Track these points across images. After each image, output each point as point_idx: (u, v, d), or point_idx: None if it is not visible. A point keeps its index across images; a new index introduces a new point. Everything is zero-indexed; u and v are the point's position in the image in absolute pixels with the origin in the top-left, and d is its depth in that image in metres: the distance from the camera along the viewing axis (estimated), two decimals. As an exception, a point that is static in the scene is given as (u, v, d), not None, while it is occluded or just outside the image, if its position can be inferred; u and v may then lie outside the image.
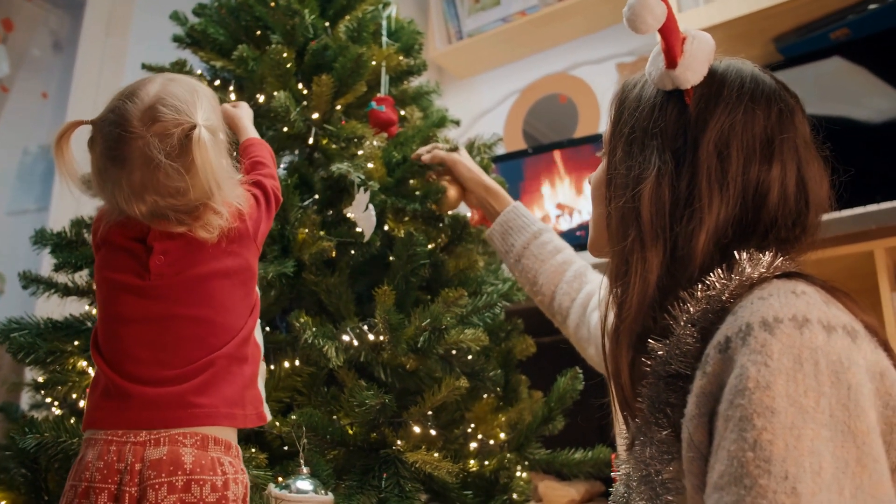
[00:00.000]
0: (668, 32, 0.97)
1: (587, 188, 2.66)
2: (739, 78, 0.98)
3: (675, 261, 0.92)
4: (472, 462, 1.53)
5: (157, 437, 1.01)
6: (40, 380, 1.46)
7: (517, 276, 1.58)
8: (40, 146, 3.03)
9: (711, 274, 0.88)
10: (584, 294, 1.47)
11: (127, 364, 1.06)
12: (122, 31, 3.12)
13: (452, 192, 1.67)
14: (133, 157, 1.04)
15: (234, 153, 1.29)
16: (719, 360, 0.80)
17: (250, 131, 1.35)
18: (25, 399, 2.07)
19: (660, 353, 0.89)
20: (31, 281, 1.60)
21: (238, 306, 1.14)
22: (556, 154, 2.77)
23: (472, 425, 1.58)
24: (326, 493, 1.28)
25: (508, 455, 1.61)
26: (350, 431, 1.41)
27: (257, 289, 1.22)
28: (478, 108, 3.38)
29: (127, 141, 1.04)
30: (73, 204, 2.70)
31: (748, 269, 0.86)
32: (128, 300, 1.09)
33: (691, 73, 0.97)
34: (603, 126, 2.90)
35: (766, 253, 0.88)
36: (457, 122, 1.99)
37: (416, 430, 1.43)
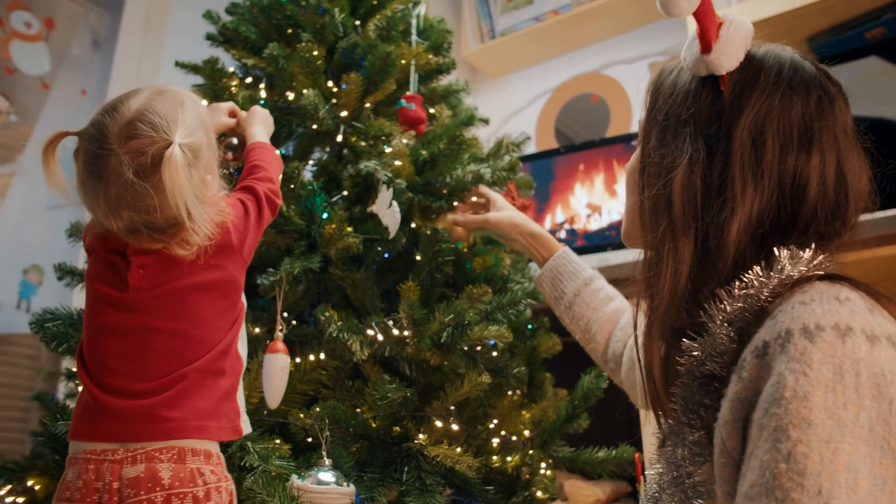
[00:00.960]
0: (703, 16, 0.93)
1: (618, 188, 2.66)
2: (778, 63, 0.94)
3: (707, 252, 0.89)
4: (494, 458, 1.54)
5: (133, 454, 1.02)
6: (73, 369, 1.49)
7: (567, 322, 1.53)
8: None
9: (748, 269, 0.85)
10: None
11: (104, 375, 1.07)
12: (159, 29, 3.17)
13: (458, 230, 1.68)
14: (109, 174, 1.03)
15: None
16: (756, 365, 0.77)
17: (256, 135, 1.35)
18: (62, 389, 2.13)
19: (694, 352, 0.86)
20: (65, 272, 1.64)
21: (217, 320, 1.13)
22: (588, 153, 2.77)
23: (496, 421, 1.59)
24: (348, 485, 1.30)
25: (531, 451, 1.62)
26: (373, 425, 1.43)
27: (244, 299, 1.21)
28: (510, 107, 3.38)
29: (103, 157, 1.03)
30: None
31: (788, 268, 0.83)
32: (107, 311, 1.09)
33: (726, 58, 0.94)
34: (635, 125, 2.89)
35: (807, 250, 0.85)
36: (485, 121, 2.00)
37: (439, 424, 1.44)
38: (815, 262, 0.84)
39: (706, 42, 0.94)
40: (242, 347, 1.20)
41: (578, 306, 1.49)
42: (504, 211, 1.63)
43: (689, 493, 0.87)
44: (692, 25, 2.41)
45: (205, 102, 1.29)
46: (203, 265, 1.11)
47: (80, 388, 1.13)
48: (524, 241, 1.60)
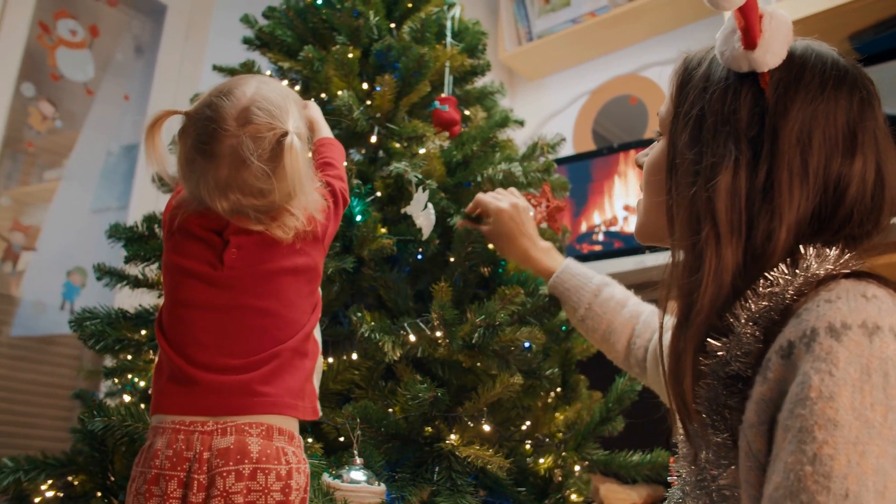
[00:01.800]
0: (750, 10, 0.89)
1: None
2: (821, 62, 0.91)
3: (753, 259, 0.87)
4: (527, 459, 1.54)
5: (224, 426, 1.04)
6: (110, 365, 1.52)
7: (584, 334, 1.53)
8: (122, 147, 3.14)
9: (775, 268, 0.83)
10: (657, 339, 1.41)
11: (191, 349, 1.08)
12: (200, 34, 3.22)
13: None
14: (223, 154, 1.06)
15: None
16: (781, 365, 0.76)
17: (324, 130, 1.37)
18: (103, 388, 2.16)
19: (719, 353, 0.84)
20: (104, 273, 1.67)
21: (303, 303, 1.16)
22: (625, 155, 2.75)
23: (529, 423, 1.58)
24: (379, 485, 1.30)
25: (564, 454, 1.61)
26: (404, 425, 1.43)
27: (319, 288, 1.24)
28: (548, 110, 3.37)
29: (220, 137, 1.06)
30: (151, 201, 2.80)
31: (814, 266, 0.81)
32: (197, 287, 1.11)
33: (771, 55, 0.89)
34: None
35: (833, 248, 0.83)
36: (520, 122, 1.99)
37: (470, 425, 1.43)
38: (841, 261, 0.82)
39: (751, 38, 0.89)
40: (318, 333, 1.22)
41: (592, 319, 1.48)
42: (499, 226, 1.58)
43: (713, 496, 0.85)
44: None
45: None
46: (294, 250, 1.14)
47: (157, 360, 1.14)
48: (521, 258, 1.59)
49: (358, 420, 1.37)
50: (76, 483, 1.47)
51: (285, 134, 1.06)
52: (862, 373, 0.70)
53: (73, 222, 3.02)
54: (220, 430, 1.04)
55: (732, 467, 0.83)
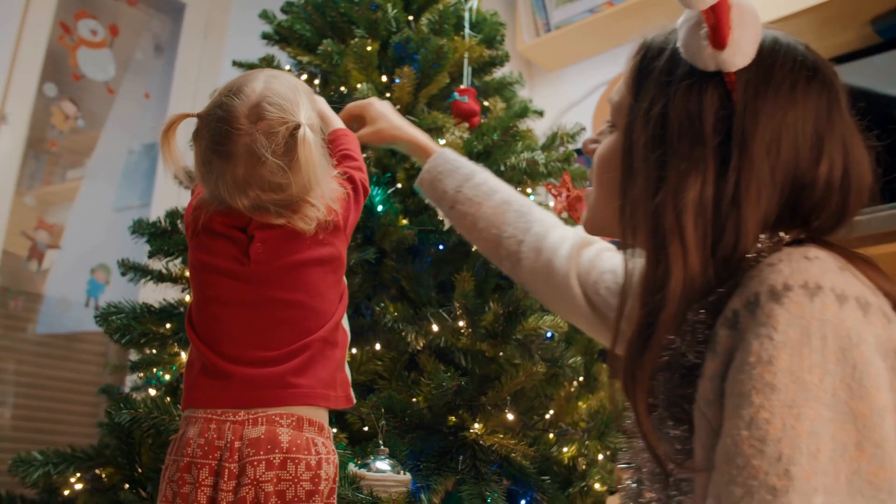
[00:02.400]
0: (721, 9, 0.83)
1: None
2: (790, 59, 0.86)
3: (719, 262, 0.83)
4: (550, 448, 1.54)
5: (255, 416, 1.05)
6: (135, 359, 1.54)
7: (454, 223, 1.42)
8: (143, 145, 3.17)
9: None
10: (534, 235, 1.31)
11: (223, 344, 1.10)
12: (219, 32, 3.24)
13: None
14: (238, 153, 1.07)
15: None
16: (728, 336, 0.75)
17: (336, 122, 1.38)
18: (128, 383, 2.18)
19: (673, 346, 0.82)
20: (128, 268, 1.68)
21: (330, 292, 1.17)
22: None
23: (552, 412, 1.58)
24: (404, 474, 1.31)
25: (587, 442, 1.61)
26: (428, 414, 1.44)
27: (344, 277, 1.25)
28: (566, 100, 3.36)
29: (233, 137, 1.07)
30: (173, 199, 2.82)
31: (760, 247, 0.81)
32: (225, 283, 1.12)
33: (741, 56, 0.84)
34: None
35: (790, 233, 0.83)
36: (540, 113, 1.99)
37: (494, 414, 1.44)
38: (789, 236, 0.81)
39: (721, 37, 0.83)
40: (346, 321, 1.23)
41: (462, 203, 1.37)
42: (376, 124, 1.47)
43: (670, 491, 0.84)
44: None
45: None
46: (318, 241, 1.14)
47: (188, 357, 1.16)
48: (407, 137, 1.47)
49: (382, 410, 1.37)
50: (104, 475, 1.48)
51: (298, 126, 1.07)
52: (802, 335, 0.70)
53: (96, 220, 3.05)
54: (251, 420, 1.05)
55: (690, 460, 0.81)
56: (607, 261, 1.22)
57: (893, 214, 1.86)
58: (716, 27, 0.83)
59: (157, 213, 2.88)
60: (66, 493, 1.54)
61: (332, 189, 1.16)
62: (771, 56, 0.86)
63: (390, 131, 1.46)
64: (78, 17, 2.96)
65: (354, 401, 1.19)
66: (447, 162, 1.42)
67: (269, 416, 1.06)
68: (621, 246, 0.94)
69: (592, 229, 1.08)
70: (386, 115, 1.48)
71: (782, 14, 2.25)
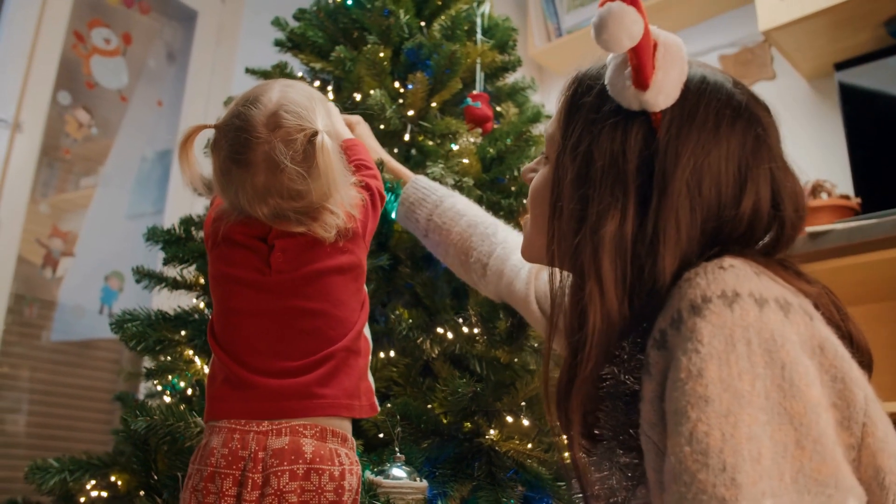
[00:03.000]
0: (643, 51, 0.84)
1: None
2: (716, 98, 0.87)
3: (642, 296, 0.83)
4: (566, 454, 1.53)
5: (278, 427, 1.05)
6: (150, 366, 1.54)
7: (432, 251, 1.45)
8: (156, 152, 3.18)
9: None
10: (497, 259, 1.36)
11: (246, 355, 1.10)
12: (231, 41, 3.26)
13: None
14: (257, 161, 1.07)
15: None
16: (659, 356, 0.76)
17: (345, 132, 1.38)
18: (142, 390, 2.19)
19: (609, 377, 0.83)
20: (143, 275, 1.69)
21: (351, 301, 1.17)
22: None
23: (567, 418, 1.58)
24: (421, 481, 1.30)
25: (604, 449, 1.60)
26: (444, 421, 1.43)
27: (365, 285, 1.25)
28: (578, 106, 3.35)
29: (252, 146, 1.07)
30: (186, 206, 2.83)
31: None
32: (247, 294, 1.13)
33: (663, 97, 0.85)
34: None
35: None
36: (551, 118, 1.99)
37: (510, 420, 1.43)
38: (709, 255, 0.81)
39: (643, 79, 0.84)
40: (367, 329, 1.22)
41: (433, 232, 1.41)
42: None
43: None
44: (761, 14, 2.35)
45: None
46: (338, 249, 1.15)
47: (210, 367, 1.16)
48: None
49: (398, 417, 1.37)
50: (119, 482, 1.48)
51: (315, 133, 1.07)
52: (727, 344, 0.70)
53: (110, 228, 3.07)
54: (275, 430, 1.05)
55: (642, 486, 0.81)
56: None
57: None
58: (638, 68, 0.84)
59: (170, 220, 2.90)
60: (83, 500, 1.54)
61: (350, 196, 1.16)
62: (696, 95, 0.87)
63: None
64: (91, 26, 2.98)
65: (378, 408, 1.19)
66: (417, 191, 1.45)
67: (292, 426, 1.06)
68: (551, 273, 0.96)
69: (529, 258, 1.10)
70: (366, 139, 1.51)
71: (795, 17, 2.24)
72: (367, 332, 1.22)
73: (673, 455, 0.70)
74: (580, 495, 0.88)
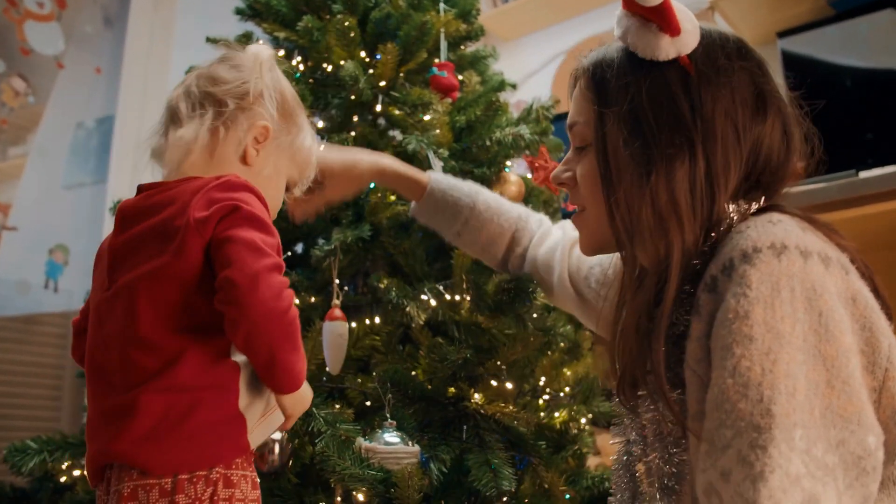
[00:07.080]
0: (667, 3, 0.91)
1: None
2: (720, 37, 0.96)
3: (706, 233, 0.90)
4: (542, 414, 1.58)
5: None
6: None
7: (461, 247, 1.45)
8: (96, 120, 3.09)
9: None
10: (533, 249, 1.40)
11: None
12: (169, 5, 3.17)
13: (513, 188, 1.70)
14: None
15: None
16: (709, 299, 0.83)
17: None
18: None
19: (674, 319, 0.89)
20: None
21: None
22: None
23: (544, 379, 1.63)
24: (413, 445, 1.34)
25: (575, 407, 1.66)
26: (429, 386, 1.47)
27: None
28: (524, 71, 3.38)
29: None
30: (130, 176, 2.77)
31: (734, 218, 0.89)
32: None
33: (692, 36, 0.93)
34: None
35: (753, 203, 0.91)
36: (514, 86, 2.01)
37: (493, 384, 1.47)
38: (753, 205, 0.90)
39: (675, 25, 0.91)
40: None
41: (469, 233, 1.39)
42: (336, 182, 1.33)
43: (671, 448, 0.91)
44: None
45: None
46: None
47: None
48: (381, 175, 1.39)
49: (388, 384, 1.40)
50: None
51: None
52: (772, 290, 0.77)
53: (47, 199, 2.98)
54: None
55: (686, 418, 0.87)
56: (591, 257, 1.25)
57: (843, 184, 1.92)
58: (669, 18, 0.91)
59: (114, 189, 2.83)
60: (63, 479, 1.53)
61: None
62: (708, 36, 0.96)
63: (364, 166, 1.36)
64: (22, -11, 2.86)
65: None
66: (445, 193, 1.38)
67: None
68: (618, 247, 1.00)
69: (593, 250, 1.09)
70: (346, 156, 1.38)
71: (739, -14, 2.30)
72: None
73: (716, 386, 0.78)
74: (653, 419, 0.94)
